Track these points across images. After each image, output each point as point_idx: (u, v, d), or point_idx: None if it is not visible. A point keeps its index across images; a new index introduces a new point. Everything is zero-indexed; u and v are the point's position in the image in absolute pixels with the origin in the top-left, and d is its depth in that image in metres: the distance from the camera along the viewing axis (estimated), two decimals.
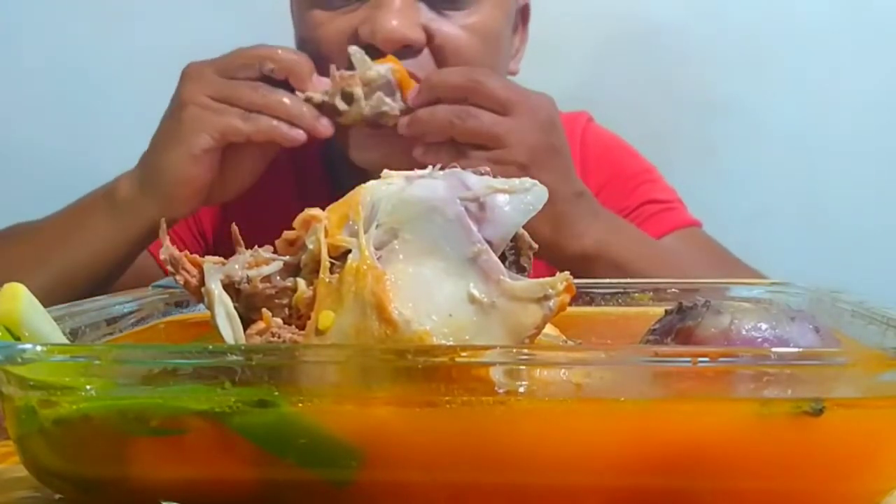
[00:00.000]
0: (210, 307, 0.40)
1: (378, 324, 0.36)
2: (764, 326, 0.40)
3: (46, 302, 0.40)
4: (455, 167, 0.42)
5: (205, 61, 0.79)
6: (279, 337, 0.39)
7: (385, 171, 0.42)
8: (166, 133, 0.78)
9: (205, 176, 0.78)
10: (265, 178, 0.83)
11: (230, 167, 0.79)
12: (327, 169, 0.98)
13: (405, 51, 0.80)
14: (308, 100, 0.77)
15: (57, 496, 0.38)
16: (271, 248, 0.42)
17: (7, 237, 0.88)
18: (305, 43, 0.86)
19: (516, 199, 0.40)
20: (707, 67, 1.39)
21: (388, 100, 0.76)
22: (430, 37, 0.81)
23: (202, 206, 0.82)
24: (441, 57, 0.81)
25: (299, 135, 0.76)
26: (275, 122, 0.76)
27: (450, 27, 0.82)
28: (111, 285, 0.81)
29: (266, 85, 0.77)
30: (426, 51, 0.81)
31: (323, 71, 0.80)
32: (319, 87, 0.77)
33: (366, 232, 0.40)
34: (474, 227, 0.39)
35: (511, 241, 0.42)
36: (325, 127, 0.77)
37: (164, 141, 0.79)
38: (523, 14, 0.95)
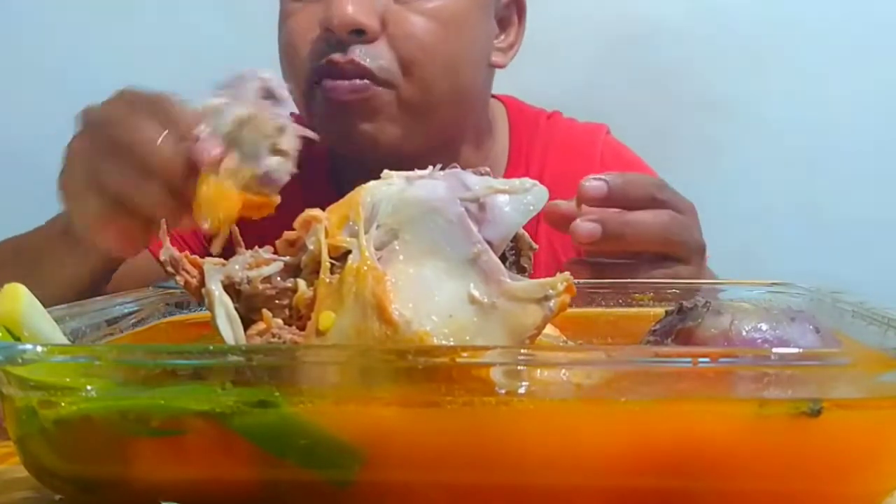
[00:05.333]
0: (210, 308, 0.40)
1: (378, 324, 0.36)
2: (764, 327, 0.40)
3: None
4: (455, 167, 0.42)
5: None
6: (280, 337, 0.39)
7: (385, 172, 0.42)
8: None
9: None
10: None
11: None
12: (332, 171, 0.97)
13: (360, 37, 0.80)
14: None
15: (57, 497, 0.38)
16: (271, 249, 0.42)
17: None
18: (280, 32, 0.87)
19: (516, 200, 0.40)
20: (707, 67, 1.39)
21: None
22: (384, 24, 0.81)
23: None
24: (396, 44, 0.81)
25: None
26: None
27: (405, 13, 0.82)
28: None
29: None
30: (383, 39, 0.81)
31: (294, 65, 0.82)
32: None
33: (366, 232, 0.40)
34: (475, 228, 0.39)
35: (511, 241, 0.42)
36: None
37: None
38: (518, 8, 0.94)
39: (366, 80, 0.80)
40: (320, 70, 0.81)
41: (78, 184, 0.61)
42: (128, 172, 0.58)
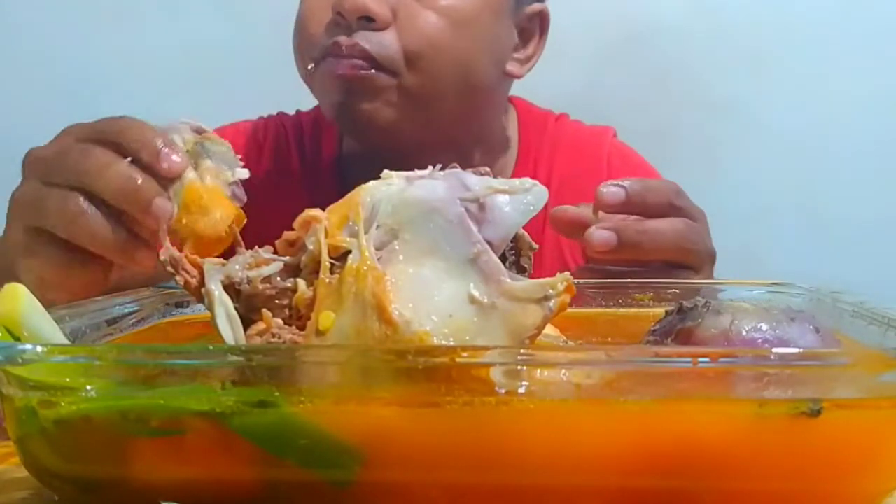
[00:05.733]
0: (210, 308, 0.40)
1: (378, 324, 0.36)
2: (764, 327, 0.40)
3: None
4: (455, 167, 0.42)
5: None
6: (279, 337, 0.39)
7: (385, 172, 0.42)
8: None
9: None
10: (276, 181, 0.83)
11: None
12: (338, 173, 0.97)
13: (369, 24, 0.79)
14: None
15: (57, 497, 0.38)
16: (272, 249, 0.42)
17: None
18: (298, 14, 0.86)
19: (516, 200, 0.40)
20: (707, 68, 1.39)
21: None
22: (395, 15, 0.80)
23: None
24: (404, 37, 0.80)
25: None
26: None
27: (417, 7, 0.81)
28: None
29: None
30: (392, 30, 0.80)
31: (303, 44, 0.83)
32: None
33: (366, 233, 0.40)
34: (474, 228, 0.39)
35: (511, 241, 0.42)
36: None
37: None
38: (542, 22, 0.93)
39: (367, 63, 0.80)
40: (325, 51, 0.81)
41: (23, 235, 0.57)
42: (77, 209, 0.54)
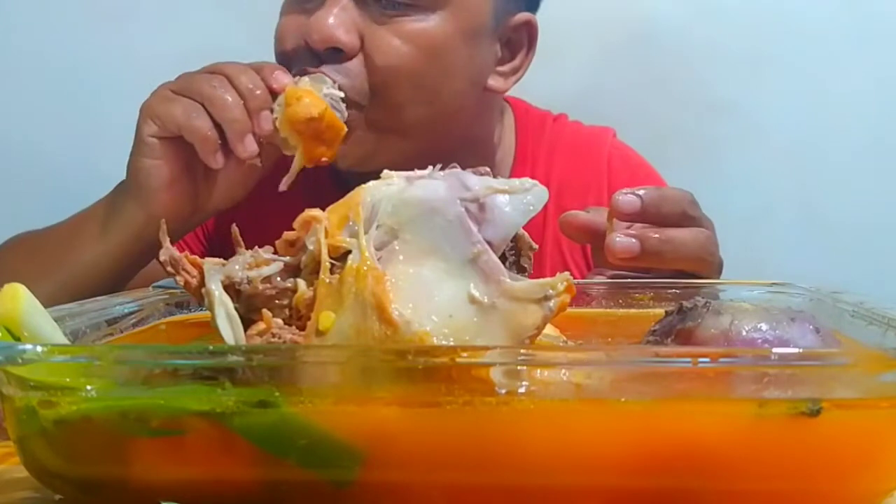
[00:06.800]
0: (210, 308, 0.40)
1: (378, 324, 0.37)
2: (764, 327, 0.40)
3: None
4: (455, 167, 0.42)
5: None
6: (279, 338, 0.39)
7: (385, 172, 0.42)
8: None
9: (164, 168, 0.75)
10: (273, 179, 0.83)
11: (216, 174, 0.77)
12: (335, 172, 0.97)
13: (337, 54, 0.79)
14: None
15: (57, 497, 0.38)
16: (272, 249, 0.42)
17: (13, 248, 0.87)
18: (275, 32, 0.86)
19: (516, 200, 0.40)
20: (707, 68, 1.39)
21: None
22: (362, 43, 0.80)
23: (191, 213, 0.79)
24: (370, 64, 0.79)
25: (218, 160, 0.74)
26: (208, 132, 0.73)
27: (384, 33, 0.80)
28: (120, 290, 0.77)
29: (223, 80, 0.74)
30: (359, 57, 0.80)
31: (282, 63, 0.83)
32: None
33: (366, 233, 0.40)
34: (474, 228, 0.39)
35: (511, 241, 0.42)
36: (245, 147, 0.73)
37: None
38: (530, 33, 0.90)
39: None
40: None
41: (167, 94, 0.74)
42: (216, 84, 0.73)
